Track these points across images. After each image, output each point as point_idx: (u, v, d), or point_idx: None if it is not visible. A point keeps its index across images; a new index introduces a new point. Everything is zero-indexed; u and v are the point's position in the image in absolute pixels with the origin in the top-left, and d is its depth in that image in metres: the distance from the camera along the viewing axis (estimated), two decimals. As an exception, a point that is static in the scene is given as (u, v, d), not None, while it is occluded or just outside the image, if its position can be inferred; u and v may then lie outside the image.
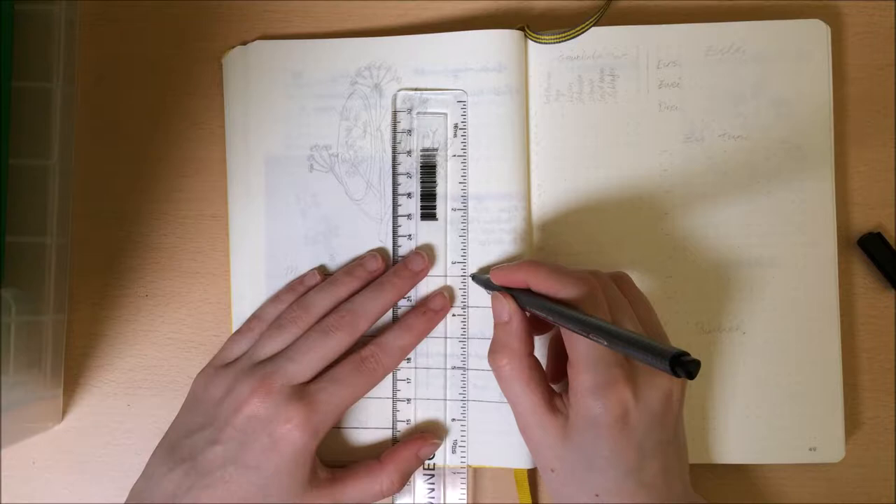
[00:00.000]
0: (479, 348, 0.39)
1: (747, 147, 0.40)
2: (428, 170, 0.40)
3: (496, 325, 0.36)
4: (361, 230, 0.40)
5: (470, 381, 0.39)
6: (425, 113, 0.40)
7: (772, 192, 0.40)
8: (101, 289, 0.41)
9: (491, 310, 0.36)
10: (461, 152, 0.40)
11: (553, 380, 0.37)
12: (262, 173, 0.40)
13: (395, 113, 0.40)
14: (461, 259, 0.40)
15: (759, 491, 0.40)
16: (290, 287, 0.40)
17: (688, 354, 0.26)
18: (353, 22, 0.42)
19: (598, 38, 0.40)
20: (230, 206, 0.41)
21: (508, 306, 0.35)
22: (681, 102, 0.40)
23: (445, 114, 0.40)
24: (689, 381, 0.33)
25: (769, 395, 0.39)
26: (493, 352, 0.35)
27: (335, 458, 0.39)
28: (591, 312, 0.32)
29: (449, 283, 0.40)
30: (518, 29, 0.40)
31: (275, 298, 0.40)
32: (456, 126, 0.40)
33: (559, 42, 0.40)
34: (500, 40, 0.40)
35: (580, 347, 0.32)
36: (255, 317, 0.39)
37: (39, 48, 0.39)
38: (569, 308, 0.32)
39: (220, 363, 0.38)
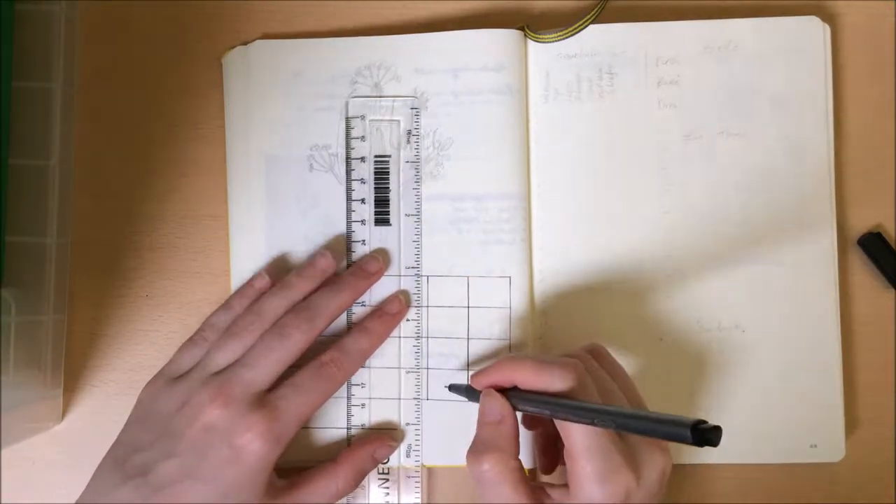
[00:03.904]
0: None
1: (746, 145, 0.40)
2: (381, 176, 0.40)
3: (483, 425, 0.34)
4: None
5: (424, 382, 0.39)
6: (378, 120, 0.40)
7: (771, 190, 0.40)
8: (101, 289, 0.41)
9: (479, 407, 0.35)
10: (414, 158, 0.40)
11: (544, 470, 0.38)
12: (262, 173, 0.40)
13: (347, 119, 0.40)
14: (415, 263, 0.40)
15: (759, 491, 0.40)
16: (240, 293, 0.39)
17: (706, 422, 0.25)
18: (353, 21, 0.42)
19: (596, 37, 0.40)
20: (230, 206, 0.41)
21: (502, 406, 0.34)
22: (679, 100, 0.40)
23: (398, 121, 0.40)
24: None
25: (769, 395, 0.39)
26: (478, 453, 0.33)
27: (291, 458, 0.38)
28: (584, 399, 0.32)
29: (403, 286, 0.40)
30: (518, 29, 0.40)
31: (226, 305, 0.39)
32: (409, 132, 0.40)
33: (558, 40, 0.40)
34: (499, 40, 0.40)
35: (577, 436, 0.31)
36: (206, 324, 0.39)
37: (39, 48, 0.39)
38: (562, 398, 0.32)
39: (171, 375, 0.37)
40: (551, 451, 0.38)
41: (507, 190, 0.40)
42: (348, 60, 0.40)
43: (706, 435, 0.25)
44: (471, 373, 0.36)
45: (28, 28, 0.39)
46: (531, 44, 0.40)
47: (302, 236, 0.40)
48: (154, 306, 0.41)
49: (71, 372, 0.41)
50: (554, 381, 0.32)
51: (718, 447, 0.39)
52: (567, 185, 0.40)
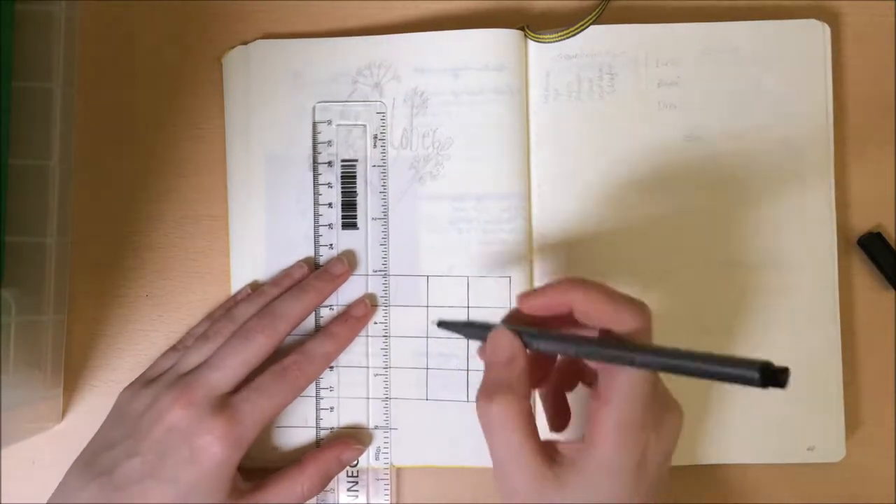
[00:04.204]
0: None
1: (746, 146, 0.40)
2: (348, 180, 0.40)
3: (491, 366, 0.32)
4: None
5: (393, 382, 0.39)
6: (345, 124, 0.40)
7: (771, 191, 0.40)
8: (101, 289, 0.41)
9: (486, 350, 0.33)
10: (381, 163, 0.40)
11: (554, 428, 0.36)
12: (263, 173, 0.40)
13: (314, 124, 0.40)
14: (382, 267, 0.40)
15: (758, 491, 0.40)
16: (223, 304, 0.40)
17: (772, 364, 0.24)
18: (354, 21, 0.42)
19: (596, 37, 0.40)
20: (230, 206, 0.41)
21: (513, 344, 0.31)
22: (680, 101, 0.40)
23: (365, 125, 0.40)
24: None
25: (769, 395, 0.39)
26: (487, 395, 0.31)
27: (260, 458, 0.39)
28: (644, 343, 0.30)
29: (371, 290, 0.40)
30: (518, 29, 0.40)
31: (208, 316, 0.40)
32: (375, 137, 0.40)
33: (558, 41, 0.40)
34: (500, 40, 0.40)
35: (616, 384, 0.30)
36: (187, 334, 0.40)
37: (39, 48, 0.39)
38: (616, 339, 0.30)
39: (147, 379, 0.38)
40: (560, 405, 0.36)
41: (507, 190, 0.40)
42: (349, 60, 0.40)
43: (776, 377, 0.24)
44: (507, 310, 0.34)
45: (28, 28, 0.39)
46: (531, 44, 0.40)
47: (302, 236, 0.40)
48: (154, 306, 0.41)
49: (71, 372, 0.41)
50: (624, 316, 0.30)
51: (720, 447, 0.39)
52: (567, 185, 0.40)
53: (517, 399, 0.31)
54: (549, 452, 0.31)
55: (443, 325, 0.36)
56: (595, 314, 0.31)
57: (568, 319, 0.32)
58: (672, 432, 0.31)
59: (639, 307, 0.31)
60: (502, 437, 0.31)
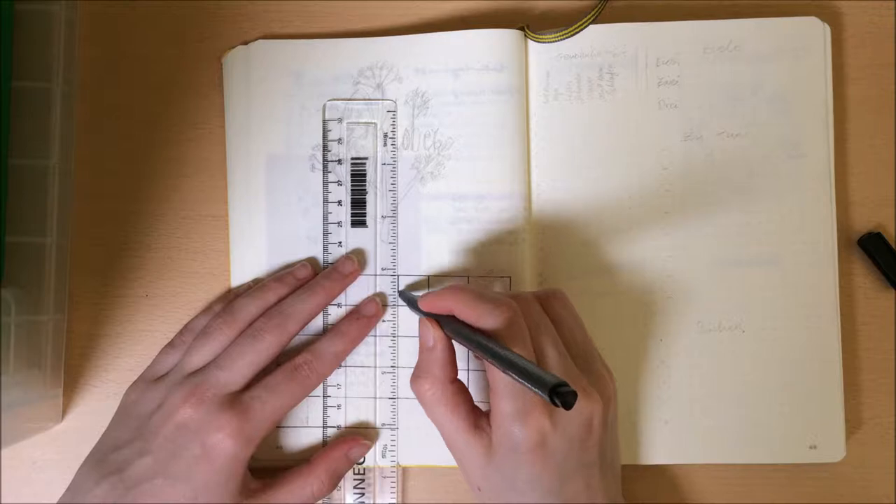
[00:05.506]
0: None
1: (746, 146, 0.40)
2: (358, 178, 0.40)
3: (421, 350, 0.36)
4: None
5: (400, 381, 0.40)
6: (356, 123, 0.40)
7: (771, 191, 0.40)
8: (101, 289, 0.41)
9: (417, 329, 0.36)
10: (391, 161, 0.40)
11: None
12: (263, 173, 0.40)
13: (324, 122, 0.40)
14: (391, 265, 0.40)
15: (760, 491, 0.40)
16: (220, 298, 0.40)
17: (566, 385, 0.26)
18: (355, 22, 0.42)
19: (596, 37, 0.40)
20: (230, 206, 0.41)
21: (433, 332, 0.35)
22: (680, 100, 0.40)
23: (375, 123, 0.40)
24: (619, 404, 0.35)
25: (769, 395, 0.39)
26: (417, 377, 0.35)
27: (267, 458, 0.39)
28: (511, 341, 0.32)
29: (379, 289, 0.40)
30: (518, 29, 0.40)
31: (207, 309, 0.40)
32: (385, 135, 0.40)
33: (558, 40, 0.40)
34: (500, 40, 0.40)
35: (499, 374, 0.32)
36: (186, 328, 0.40)
37: (39, 48, 0.39)
38: (485, 336, 0.32)
39: (152, 377, 0.38)
40: None
41: (507, 190, 0.40)
42: (350, 61, 0.40)
43: (563, 397, 0.26)
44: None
45: (28, 28, 0.39)
46: (531, 44, 0.40)
47: (304, 235, 0.40)
48: (154, 306, 0.41)
49: (71, 372, 0.41)
50: (484, 317, 0.33)
51: (720, 447, 0.39)
52: (567, 185, 0.40)
53: (437, 381, 0.35)
54: (478, 423, 0.35)
55: (402, 295, 0.39)
56: (465, 316, 0.34)
57: None
58: (568, 424, 0.33)
59: (497, 309, 0.33)
60: (433, 413, 0.35)
